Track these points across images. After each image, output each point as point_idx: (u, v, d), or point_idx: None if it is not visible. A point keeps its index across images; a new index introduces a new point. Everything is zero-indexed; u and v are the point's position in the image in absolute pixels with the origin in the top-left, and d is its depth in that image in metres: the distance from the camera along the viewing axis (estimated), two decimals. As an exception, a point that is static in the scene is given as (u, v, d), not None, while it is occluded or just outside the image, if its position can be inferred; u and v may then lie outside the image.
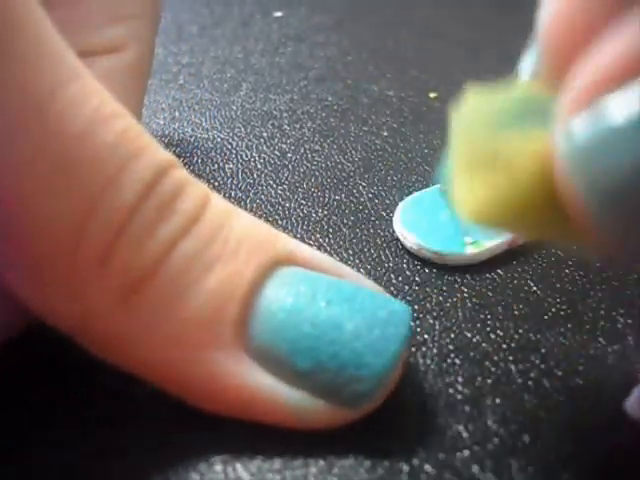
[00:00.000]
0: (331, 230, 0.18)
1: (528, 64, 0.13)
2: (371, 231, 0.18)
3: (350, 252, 0.17)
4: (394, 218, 0.18)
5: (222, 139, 0.22)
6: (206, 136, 0.22)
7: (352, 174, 0.20)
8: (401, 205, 0.18)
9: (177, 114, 0.23)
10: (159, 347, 0.12)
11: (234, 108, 0.23)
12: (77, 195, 0.11)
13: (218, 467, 0.12)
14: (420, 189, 0.19)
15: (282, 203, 0.19)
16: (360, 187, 0.20)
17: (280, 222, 0.18)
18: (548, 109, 0.10)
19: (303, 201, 0.19)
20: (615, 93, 0.09)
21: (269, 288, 0.12)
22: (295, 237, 0.18)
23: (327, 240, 0.18)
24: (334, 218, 0.18)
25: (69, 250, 0.11)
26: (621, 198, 0.09)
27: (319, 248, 0.17)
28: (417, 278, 0.16)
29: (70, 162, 0.11)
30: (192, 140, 0.21)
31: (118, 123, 0.12)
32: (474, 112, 0.11)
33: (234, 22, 0.29)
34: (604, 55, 0.09)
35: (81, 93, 0.11)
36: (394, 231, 0.17)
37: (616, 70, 0.09)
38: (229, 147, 0.21)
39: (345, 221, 0.18)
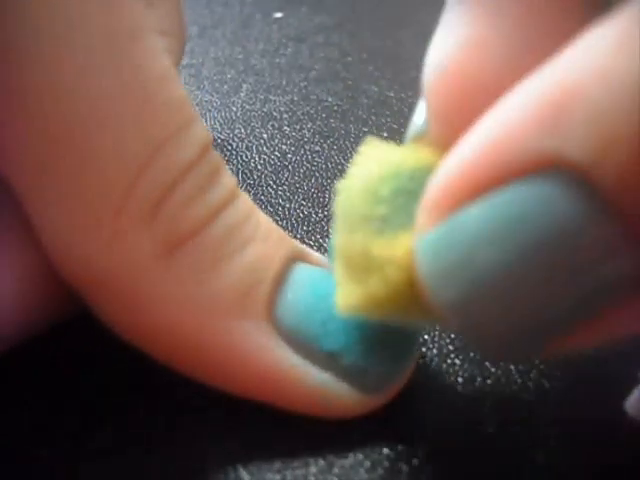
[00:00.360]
0: (331, 230, 0.18)
1: (416, 123, 0.13)
2: (371, 231, 0.18)
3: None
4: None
5: (222, 140, 0.22)
6: (206, 137, 0.22)
7: (352, 175, 0.20)
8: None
9: (177, 115, 0.23)
10: (188, 309, 0.12)
11: (234, 109, 0.23)
12: (143, 138, 0.11)
13: (218, 467, 0.12)
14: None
15: (282, 204, 0.19)
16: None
17: (280, 223, 0.18)
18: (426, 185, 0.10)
19: (303, 202, 0.19)
20: (470, 206, 0.09)
21: (298, 273, 0.13)
22: (295, 238, 0.18)
23: (327, 240, 0.18)
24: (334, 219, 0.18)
25: (124, 191, 0.11)
26: (463, 304, 0.09)
27: (319, 249, 0.17)
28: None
29: (142, 103, 0.11)
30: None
31: (182, 87, 0.12)
32: (357, 184, 0.11)
33: (234, 23, 0.29)
34: (469, 153, 0.09)
35: (156, 48, 0.12)
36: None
37: (476, 177, 0.09)
38: (229, 148, 0.21)
39: (345, 222, 0.18)
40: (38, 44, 0.11)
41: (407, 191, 0.11)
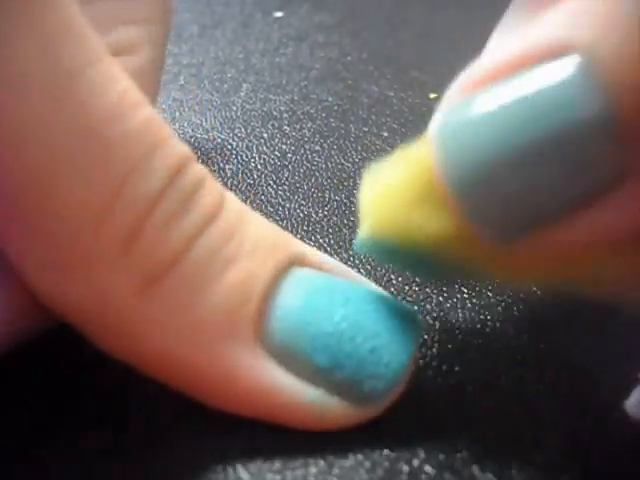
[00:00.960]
0: (331, 230, 0.18)
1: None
2: (371, 231, 0.18)
3: (350, 252, 0.17)
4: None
5: (222, 140, 0.22)
6: (206, 137, 0.22)
7: (352, 174, 0.20)
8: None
9: (177, 114, 0.23)
10: (176, 339, 0.12)
11: (234, 109, 0.23)
12: (104, 177, 0.11)
13: (218, 467, 0.12)
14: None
15: (282, 204, 0.19)
16: (360, 188, 0.20)
17: (281, 223, 0.18)
18: None
19: (303, 202, 0.19)
20: (487, 88, 0.10)
21: (286, 287, 0.12)
22: (295, 237, 0.18)
23: (327, 240, 0.18)
24: (334, 219, 0.18)
25: (93, 232, 0.11)
26: (477, 176, 0.10)
27: (319, 248, 0.17)
28: (417, 279, 0.16)
29: (98, 142, 0.11)
30: (192, 141, 0.22)
31: (144, 110, 0.12)
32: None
33: (234, 22, 0.29)
34: (505, 46, 0.11)
35: (109, 74, 0.11)
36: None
37: (502, 61, 0.10)
38: (229, 148, 0.21)
39: (345, 221, 0.18)
40: None
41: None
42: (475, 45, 0.28)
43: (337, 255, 0.17)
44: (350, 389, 0.12)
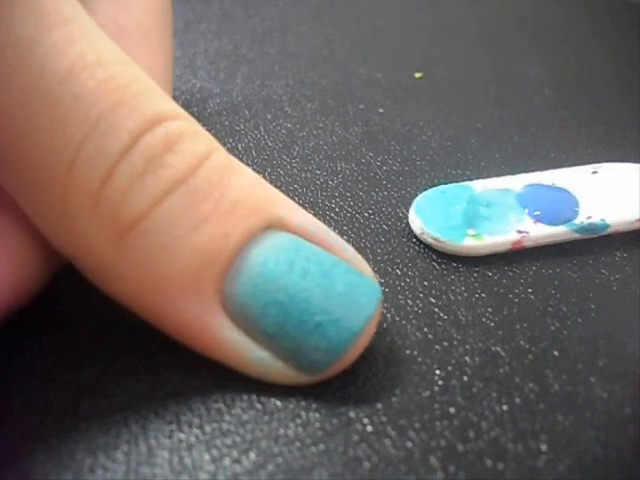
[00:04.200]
0: (348, 194, 0.19)
1: None
2: (385, 192, 0.20)
3: (368, 213, 0.19)
4: (410, 208, 0.18)
5: (230, 122, 0.23)
6: (213, 120, 0.23)
7: (358, 145, 0.21)
8: (420, 195, 0.18)
9: (180, 102, 0.24)
10: (144, 289, 0.13)
11: (234, 94, 0.24)
12: (61, 141, 0.12)
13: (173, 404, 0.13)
14: (420, 156, 0.21)
15: (298, 174, 0.20)
16: (367, 156, 0.21)
17: (300, 190, 0.19)
18: None
19: (318, 171, 0.20)
20: None
21: (253, 253, 0.13)
22: (316, 202, 0.19)
23: (348, 202, 0.19)
24: (349, 184, 0.20)
25: (60, 193, 0.12)
26: None
27: (340, 210, 0.19)
28: (414, 248, 0.18)
29: (54, 105, 0.11)
30: (201, 125, 0.22)
31: (101, 71, 0.12)
32: None
33: (217, 17, 0.30)
34: None
35: (65, 39, 0.12)
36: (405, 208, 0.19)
37: None
38: (237, 129, 0.22)
39: (360, 186, 0.20)
40: None
41: None
42: (449, 30, 0.30)
43: (358, 215, 0.19)
44: (292, 357, 0.13)
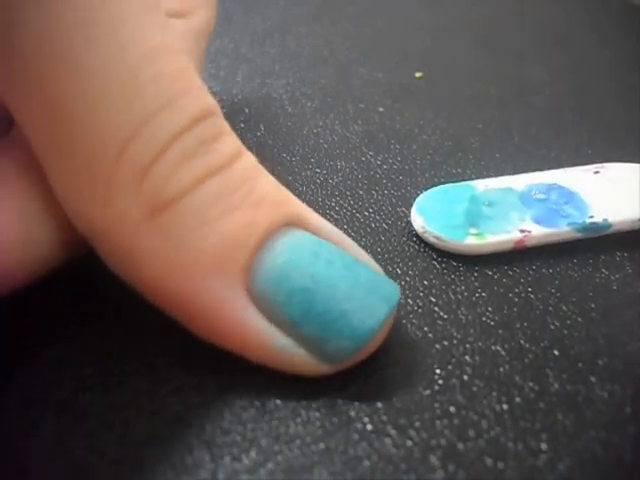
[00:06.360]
0: (349, 193, 0.19)
1: None
2: (385, 191, 0.20)
3: (368, 212, 0.19)
4: (412, 207, 0.18)
5: (230, 121, 0.22)
6: (213, 118, 0.23)
7: (358, 144, 0.21)
8: (422, 194, 0.18)
9: (180, 100, 0.24)
10: (171, 269, 0.13)
11: (234, 93, 0.24)
12: (133, 110, 0.12)
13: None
14: (420, 155, 0.21)
15: (299, 173, 0.20)
16: (368, 155, 0.21)
17: (301, 188, 0.19)
18: None
19: (318, 170, 0.20)
20: None
21: (278, 242, 0.13)
22: (316, 201, 0.19)
23: (348, 201, 0.19)
24: (349, 183, 0.20)
25: (115, 158, 0.12)
26: None
27: (340, 209, 0.19)
28: (414, 247, 0.18)
29: (133, 80, 0.12)
30: (200, 122, 0.22)
31: (180, 60, 0.13)
32: None
33: (217, 16, 0.30)
34: None
35: (153, 24, 0.13)
36: (404, 203, 0.19)
37: None
38: (237, 128, 0.22)
39: (360, 184, 0.20)
40: (37, 21, 0.12)
41: None
42: (448, 29, 0.30)
43: (358, 214, 0.19)
44: (315, 344, 0.13)
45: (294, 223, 0.14)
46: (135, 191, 0.12)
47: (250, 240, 0.13)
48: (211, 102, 0.13)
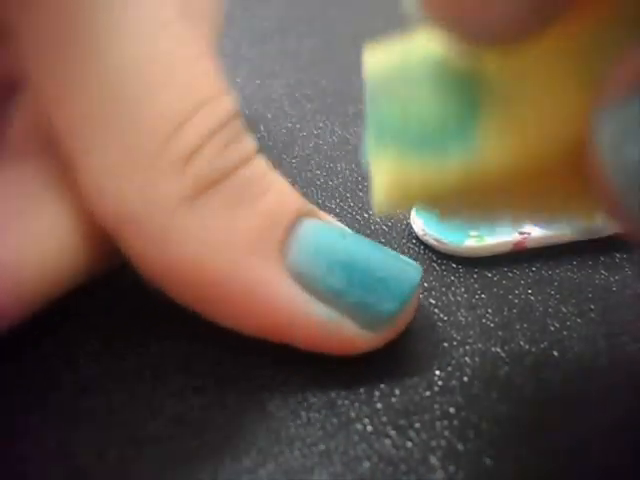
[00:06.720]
0: (349, 195, 0.19)
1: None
2: (385, 193, 0.20)
3: (367, 214, 0.19)
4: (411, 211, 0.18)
5: (229, 121, 0.23)
6: (213, 119, 0.23)
7: (358, 146, 0.22)
8: None
9: (180, 101, 0.24)
10: (208, 248, 0.13)
11: (234, 93, 0.24)
12: (185, 100, 0.14)
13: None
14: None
15: (298, 174, 0.20)
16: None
17: (300, 190, 0.19)
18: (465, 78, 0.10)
19: (318, 171, 0.20)
20: None
21: (307, 224, 0.14)
22: (316, 202, 0.19)
23: (347, 204, 0.19)
24: (349, 184, 0.20)
25: (161, 144, 0.13)
26: None
27: (340, 211, 0.19)
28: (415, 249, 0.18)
29: (185, 74, 0.14)
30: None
31: (217, 65, 0.15)
32: (388, 76, 0.11)
33: (217, 17, 0.30)
34: None
35: (188, 31, 0.14)
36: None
37: None
38: (237, 128, 0.22)
39: (360, 187, 0.20)
40: (106, 21, 0.13)
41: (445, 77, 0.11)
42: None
43: (358, 216, 0.19)
44: (359, 311, 0.14)
45: (309, 214, 0.15)
46: (180, 173, 0.13)
47: (283, 219, 0.14)
48: (236, 105, 0.15)
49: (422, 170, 0.10)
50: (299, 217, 0.14)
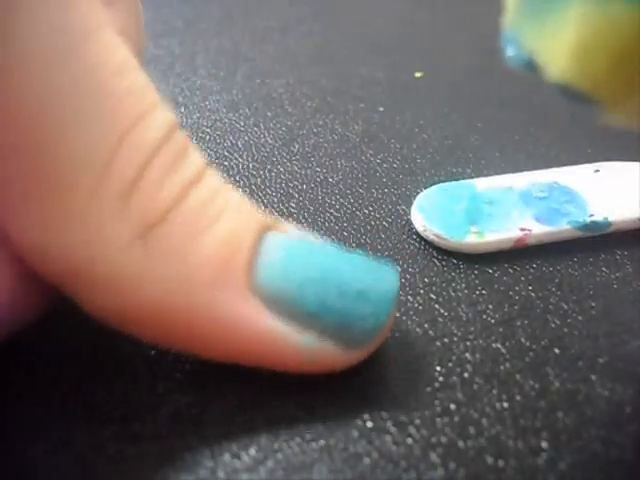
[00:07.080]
0: (349, 192, 0.19)
1: None
2: (385, 190, 0.19)
3: (368, 210, 0.19)
4: (412, 205, 0.18)
5: (229, 119, 0.23)
6: (214, 117, 0.23)
7: (358, 143, 0.21)
8: (422, 192, 0.18)
9: (180, 99, 0.24)
10: (171, 287, 0.12)
11: (234, 92, 0.24)
12: (110, 127, 0.12)
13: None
14: (421, 154, 0.21)
15: (299, 171, 0.20)
16: (368, 154, 0.21)
17: (300, 187, 0.19)
18: None
19: (318, 169, 0.20)
20: None
21: (270, 241, 0.13)
22: (316, 199, 0.19)
23: (348, 200, 0.19)
24: (349, 181, 0.20)
25: (94, 181, 0.12)
26: None
27: (341, 207, 0.19)
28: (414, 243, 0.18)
29: (106, 95, 0.12)
30: (200, 122, 0.22)
31: (143, 72, 0.13)
32: None
33: (217, 16, 0.30)
34: None
35: (113, 40, 0.12)
36: (405, 204, 0.19)
37: None
38: (237, 127, 0.22)
39: (360, 183, 0.20)
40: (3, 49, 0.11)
41: None
42: (447, 29, 0.30)
43: (358, 212, 0.19)
44: (341, 331, 0.13)
45: (270, 228, 0.14)
46: (124, 209, 0.12)
47: (246, 240, 0.13)
48: (173, 114, 0.13)
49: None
50: (262, 234, 0.13)
